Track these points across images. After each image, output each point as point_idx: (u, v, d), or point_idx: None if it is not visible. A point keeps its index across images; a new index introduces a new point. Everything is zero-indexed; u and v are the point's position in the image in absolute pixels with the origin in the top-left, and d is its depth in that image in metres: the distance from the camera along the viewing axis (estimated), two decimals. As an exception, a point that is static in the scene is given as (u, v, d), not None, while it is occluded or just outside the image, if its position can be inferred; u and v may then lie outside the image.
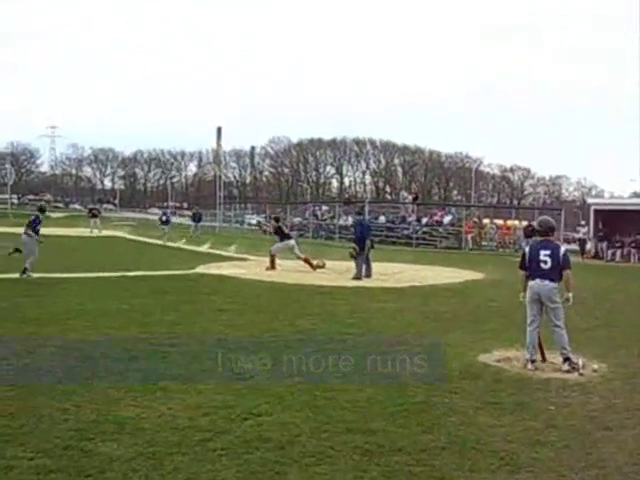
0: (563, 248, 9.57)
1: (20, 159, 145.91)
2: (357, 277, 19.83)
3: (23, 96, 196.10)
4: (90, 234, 43.98)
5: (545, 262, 9.15)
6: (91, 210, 50.01)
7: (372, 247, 21.64)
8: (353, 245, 20.79)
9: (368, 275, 20.29)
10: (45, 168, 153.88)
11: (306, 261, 22.36)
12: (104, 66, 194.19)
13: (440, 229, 46.10)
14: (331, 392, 7.45)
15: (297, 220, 59.14)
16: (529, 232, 25.60)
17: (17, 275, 17.55)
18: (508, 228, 45.78)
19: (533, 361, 9.14)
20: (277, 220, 24.66)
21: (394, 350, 9.78)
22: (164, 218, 44.48)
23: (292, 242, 22.98)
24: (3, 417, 6.28)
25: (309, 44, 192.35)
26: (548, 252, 9.22)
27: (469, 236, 43.33)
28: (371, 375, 8.31)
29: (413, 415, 6.78)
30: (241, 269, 21.95)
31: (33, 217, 19.07)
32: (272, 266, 22.04)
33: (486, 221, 47.15)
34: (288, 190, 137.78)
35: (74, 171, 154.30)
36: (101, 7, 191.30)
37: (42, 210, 19.93)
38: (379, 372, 8.47)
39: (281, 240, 22.83)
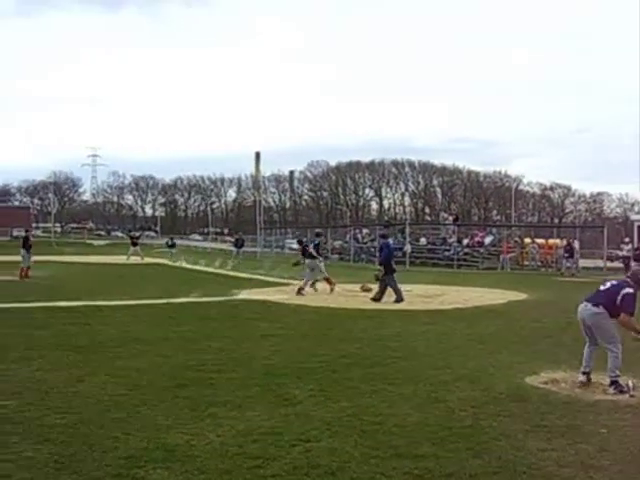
0: (629, 290, 9.04)
1: (63, 188, 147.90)
2: (375, 299, 19.89)
3: (64, 126, 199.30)
4: (126, 261, 44.56)
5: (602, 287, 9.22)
6: (131, 238, 51.04)
7: (394, 270, 21.18)
8: (379, 267, 20.79)
9: (378, 299, 19.98)
10: (87, 196, 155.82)
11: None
12: (144, 95, 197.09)
13: (481, 250, 45.77)
14: (379, 417, 7.43)
15: (337, 244, 59.11)
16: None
17: (65, 303, 17.78)
18: (550, 247, 45.34)
19: (584, 373, 9.17)
20: (300, 242, 24.89)
21: (440, 374, 9.75)
22: (170, 242, 54.79)
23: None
24: (55, 445, 6.35)
25: (343, 68, 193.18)
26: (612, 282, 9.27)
27: (508, 256, 42.89)
28: (418, 399, 8.27)
29: (462, 439, 6.71)
30: (285, 294, 21.96)
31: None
32: (330, 284, 22.34)
33: (527, 240, 46.72)
34: (328, 214, 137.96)
35: (115, 199, 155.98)
36: (139, 35, 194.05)
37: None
38: (426, 396, 8.42)
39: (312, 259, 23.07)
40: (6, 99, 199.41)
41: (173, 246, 53.86)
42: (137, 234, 54.52)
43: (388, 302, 19.66)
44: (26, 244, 29.02)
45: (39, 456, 6.04)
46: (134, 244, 48.72)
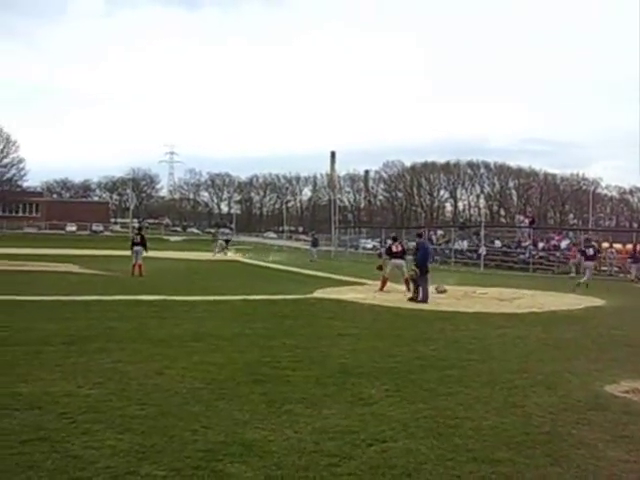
0: None
1: (141, 184, 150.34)
2: (413, 298, 20.03)
3: (143, 123, 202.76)
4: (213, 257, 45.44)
5: None
6: (213, 235, 53.12)
7: (427, 271, 21.03)
8: (414, 268, 20.71)
9: (415, 298, 20.10)
10: (164, 193, 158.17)
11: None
12: (221, 93, 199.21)
13: (557, 254, 45.06)
14: (455, 420, 7.39)
15: (412, 245, 58.82)
16: None
17: (145, 297, 18.13)
18: (627, 253, 44.31)
19: None
20: (395, 239, 24.83)
21: (516, 378, 9.65)
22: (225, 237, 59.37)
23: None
24: (137, 435, 6.49)
25: (419, 68, 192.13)
26: None
27: (571, 262, 41.56)
28: (494, 403, 8.19)
29: (540, 446, 6.63)
30: (359, 293, 22.02)
31: None
32: (409, 289, 22.43)
33: (605, 245, 45.77)
34: (402, 214, 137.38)
35: (192, 195, 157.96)
36: (217, 34, 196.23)
37: None
38: (502, 400, 8.34)
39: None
40: (86, 97, 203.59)
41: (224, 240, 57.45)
42: (228, 234, 56.61)
43: (462, 304, 19.55)
44: (142, 240, 28.96)
45: (121, 445, 6.19)
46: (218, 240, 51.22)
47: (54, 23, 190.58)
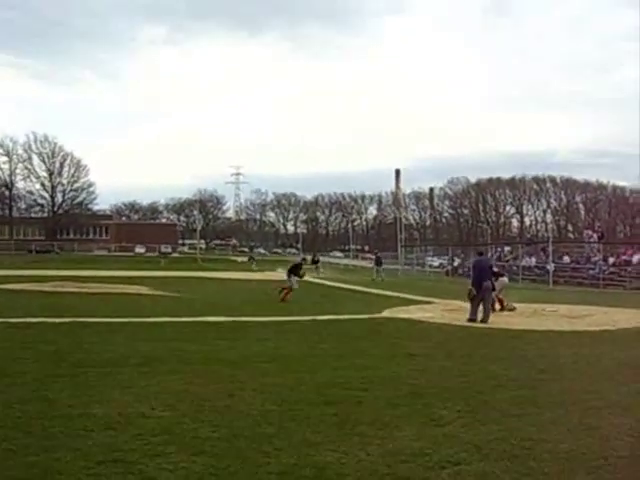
0: None
1: (207, 205, 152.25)
2: (470, 319, 19.25)
3: (209, 145, 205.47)
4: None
5: None
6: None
7: (493, 289, 20.60)
8: (470, 287, 19.95)
9: (484, 320, 19.21)
10: (230, 213, 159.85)
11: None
12: (285, 113, 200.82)
13: (629, 269, 44.12)
14: (529, 442, 7.23)
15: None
16: None
17: (213, 318, 18.30)
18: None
19: None
20: (480, 254, 24.55)
21: (591, 398, 9.39)
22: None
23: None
24: (210, 457, 6.50)
25: (483, 83, 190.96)
26: None
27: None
28: (569, 424, 8.01)
29: (619, 471, 6.41)
30: (428, 312, 21.86)
31: None
32: (501, 307, 22.12)
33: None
34: (468, 231, 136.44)
35: (258, 216, 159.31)
36: (277, 58, 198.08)
37: None
38: (577, 421, 8.13)
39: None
40: (152, 120, 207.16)
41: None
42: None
43: (532, 322, 19.28)
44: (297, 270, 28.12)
45: (195, 467, 6.20)
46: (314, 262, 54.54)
47: (123, 51, 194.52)
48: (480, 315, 19.33)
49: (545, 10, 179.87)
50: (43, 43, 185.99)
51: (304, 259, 32.16)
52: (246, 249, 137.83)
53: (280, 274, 48.63)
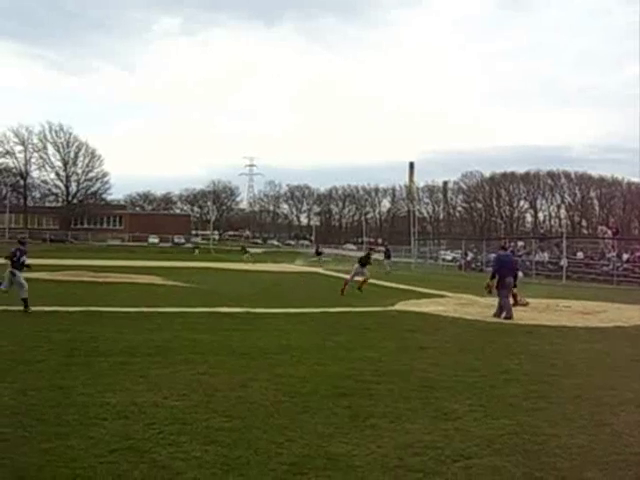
0: None
1: (221, 197, 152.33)
2: (497, 314, 18.94)
3: (223, 136, 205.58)
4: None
5: None
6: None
7: (514, 285, 20.29)
8: (488, 282, 19.72)
9: (498, 315, 18.92)
10: (244, 205, 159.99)
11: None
12: (299, 105, 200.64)
13: (643, 265, 43.88)
14: (541, 437, 7.24)
15: (492, 256, 58.16)
16: None
17: (226, 309, 18.36)
18: None
19: None
20: (505, 249, 24.35)
21: (603, 395, 9.38)
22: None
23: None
24: (222, 447, 6.54)
25: (497, 77, 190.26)
26: None
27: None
28: (581, 420, 7.99)
29: (632, 466, 6.42)
30: (441, 306, 21.86)
31: (13, 250, 17.55)
32: (515, 302, 21.94)
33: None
34: (482, 225, 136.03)
35: (271, 207, 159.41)
36: (293, 50, 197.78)
37: (22, 243, 18.42)
38: (589, 417, 8.12)
39: None
40: (166, 111, 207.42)
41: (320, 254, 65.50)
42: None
43: (545, 317, 19.25)
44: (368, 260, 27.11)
45: (207, 457, 6.25)
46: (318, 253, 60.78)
47: (138, 41, 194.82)
48: (494, 310, 19.28)
49: (561, 5, 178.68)
50: (59, 33, 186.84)
51: (371, 249, 31.65)
52: (259, 240, 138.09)
53: (297, 266, 48.85)
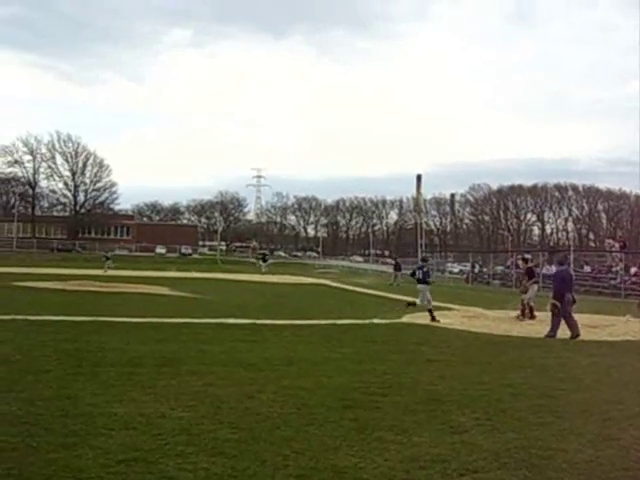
0: None
1: (228, 208, 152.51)
2: (550, 335, 17.92)
3: (231, 148, 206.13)
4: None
5: None
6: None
7: (574, 302, 18.94)
8: (553, 301, 18.35)
9: (574, 335, 17.80)
10: (251, 216, 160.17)
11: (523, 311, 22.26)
12: (306, 117, 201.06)
13: (651, 279, 43.75)
14: (548, 451, 7.20)
15: (499, 269, 58.18)
16: None
17: (233, 320, 18.36)
18: None
19: None
20: (526, 261, 24.18)
21: (611, 409, 9.33)
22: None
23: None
24: (229, 459, 6.52)
25: (505, 89, 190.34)
26: None
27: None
28: (589, 435, 7.96)
29: (640, 482, 6.44)
30: (447, 319, 21.84)
31: None
32: (532, 315, 21.90)
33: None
34: (489, 238, 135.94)
35: (279, 219, 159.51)
36: (301, 62, 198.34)
37: None
38: (597, 432, 8.07)
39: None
40: (177, 123, 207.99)
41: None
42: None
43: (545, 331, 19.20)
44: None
45: (214, 468, 6.23)
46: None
47: (147, 53, 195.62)
48: (560, 330, 18.11)
49: (567, 19, 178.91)
50: (68, 44, 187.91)
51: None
52: (266, 252, 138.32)
53: (305, 278, 48.78)
